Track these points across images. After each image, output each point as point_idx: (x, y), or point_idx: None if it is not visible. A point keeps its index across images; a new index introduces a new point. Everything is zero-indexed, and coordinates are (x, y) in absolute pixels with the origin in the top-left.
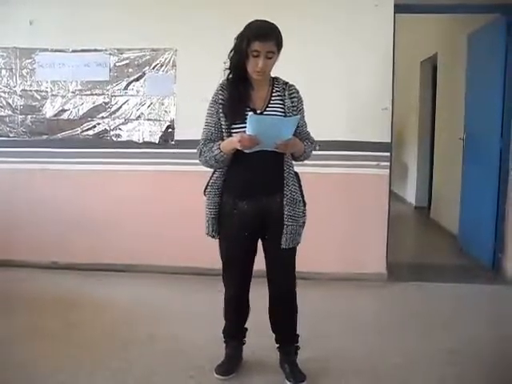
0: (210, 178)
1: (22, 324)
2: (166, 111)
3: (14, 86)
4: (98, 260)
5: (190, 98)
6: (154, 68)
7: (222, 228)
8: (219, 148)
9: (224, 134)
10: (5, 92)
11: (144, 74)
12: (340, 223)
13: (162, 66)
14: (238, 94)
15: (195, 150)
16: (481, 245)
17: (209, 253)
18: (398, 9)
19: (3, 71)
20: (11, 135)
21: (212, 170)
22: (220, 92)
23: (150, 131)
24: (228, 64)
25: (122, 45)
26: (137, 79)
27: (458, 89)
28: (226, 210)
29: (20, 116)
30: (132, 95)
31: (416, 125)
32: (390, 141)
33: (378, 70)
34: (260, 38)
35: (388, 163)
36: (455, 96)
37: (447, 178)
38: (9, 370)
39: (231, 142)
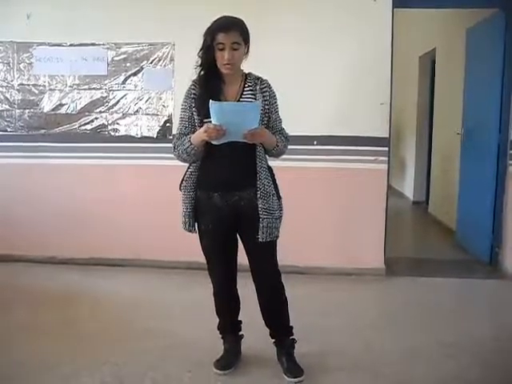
0: (185, 173)
1: (21, 319)
2: (163, 106)
3: (12, 81)
4: (97, 255)
5: None
6: (151, 62)
7: (200, 223)
8: (190, 141)
9: (197, 129)
10: (2, 86)
11: (142, 68)
12: (338, 218)
13: (159, 60)
14: (210, 88)
15: None
16: (478, 239)
17: None
18: (397, 3)
19: (0, 65)
20: (9, 130)
21: (187, 164)
22: (192, 87)
23: (147, 126)
24: (199, 62)
25: (119, 39)
26: (135, 73)
27: (456, 84)
28: (202, 203)
29: (18, 110)
30: (130, 90)
31: (414, 120)
32: (388, 136)
33: (377, 64)
34: (222, 29)
35: (386, 158)
36: (453, 91)
37: (445, 172)
38: (7, 364)
39: (199, 134)
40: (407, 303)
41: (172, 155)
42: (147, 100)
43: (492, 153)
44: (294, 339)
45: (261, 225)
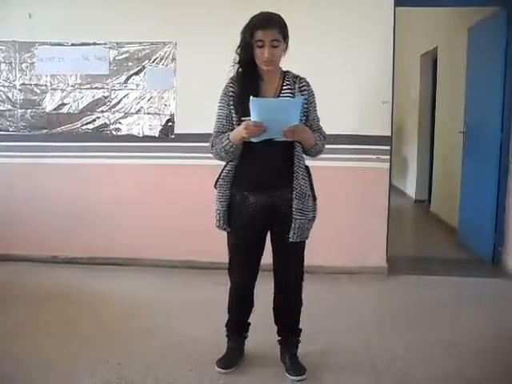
0: (222, 171)
1: (22, 318)
2: (165, 105)
3: (14, 80)
4: (98, 254)
5: (189, 91)
6: (153, 62)
7: (232, 220)
8: (228, 138)
9: (235, 127)
10: (4, 86)
11: (144, 67)
12: (340, 217)
13: (161, 59)
14: (248, 86)
15: (195, 144)
16: (481, 238)
17: (208, 246)
18: (399, 2)
19: (2, 65)
20: (11, 129)
21: (224, 162)
22: (231, 85)
23: (149, 125)
24: (237, 59)
25: (121, 38)
26: (136, 73)
27: (458, 82)
28: (236, 202)
29: (20, 110)
30: (132, 89)
31: (416, 118)
32: (390, 134)
33: (378, 63)
34: (262, 26)
35: (388, 157)
36: (455, 89)
37: (447, 171)
38: (8, 363)
39: (239, 131)
40: (409, 302)
41: (173, 154)
42: (149, 99)
43: (494, 151)
44: (299, 340)
45: (293, 225)
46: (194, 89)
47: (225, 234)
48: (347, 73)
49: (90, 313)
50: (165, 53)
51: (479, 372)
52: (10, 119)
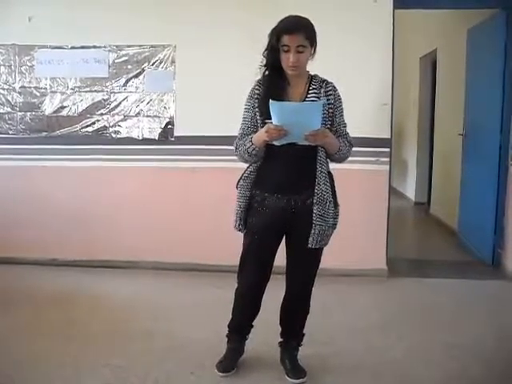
0: (244, 172)
1: (22, 321)
2: (165, 108)
3: (13, 83)
4: (98, 257)
5: (189, 94)
6: (153, 64)
7: (250, 222)
8: (251, 141)
9: (259, 129)
10: (4, 89)
11: (143, 70)
12: (340, 219)
13: (161, 62)
14: (273, 89)
15: (194, 146)
16: (481, 240)
17: (208, 249)
18: (397, 4)
19: (2, 68)
20: (10, 132)
21: (247, 164)
22: (257, 87)
23: (149, 128)
24: (264, 61)
25: (120, 41)
26: (136, 76)
27: (457, 84)
28: (255, 203)
29: (19, 113)
30: (131, 92)
31: (416, 121)
32: (389, 136)
33: (378, 66)
34: (288, 31)
35: (388, 159)
36: (455, 92)
37: (447, 173)
38: (9, 366)
39: (261, 134)
40: (409, 304)
41: (172, 157)
42: (148, 102)
43: (493, 153)
44: (300, 344)
45: (313, 231)
46: (194, 91)
47: (225, 236)
48: (346, 75)
49: (90, 315)
50: (164, 55)
51: (480, 373)
52: (9, 122)
